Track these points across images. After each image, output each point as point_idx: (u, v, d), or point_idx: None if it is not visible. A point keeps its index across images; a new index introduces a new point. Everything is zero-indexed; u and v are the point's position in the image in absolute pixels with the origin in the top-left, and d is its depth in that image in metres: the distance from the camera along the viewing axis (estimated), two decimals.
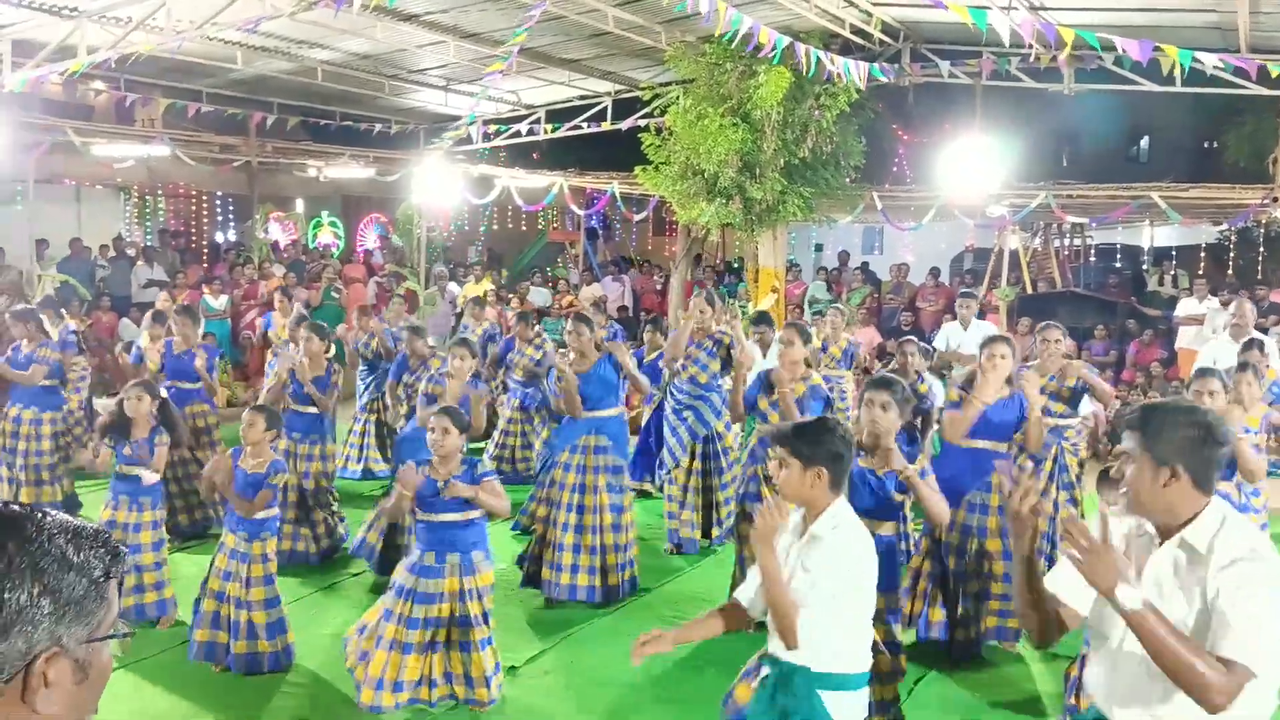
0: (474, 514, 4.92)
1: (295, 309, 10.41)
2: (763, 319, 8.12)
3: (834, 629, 3.15)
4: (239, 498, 5.27)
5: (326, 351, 7.53)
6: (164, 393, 6.43)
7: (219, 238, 19.42)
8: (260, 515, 5.31)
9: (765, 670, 3.30)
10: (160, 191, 17.69)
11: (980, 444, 5.64)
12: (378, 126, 16.68)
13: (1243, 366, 6.22)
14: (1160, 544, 2.48)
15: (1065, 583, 2.56)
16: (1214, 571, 2.34)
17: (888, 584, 4.07)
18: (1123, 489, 2.50)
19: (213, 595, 5.32)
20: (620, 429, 6.60)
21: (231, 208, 18.97)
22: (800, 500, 3.24)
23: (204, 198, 18.09)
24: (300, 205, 19.91)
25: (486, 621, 4.95)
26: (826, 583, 3.12)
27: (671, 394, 7.65)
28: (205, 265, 16.57)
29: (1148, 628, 2.26)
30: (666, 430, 7.63)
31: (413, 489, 4.81)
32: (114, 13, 10.35)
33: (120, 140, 14.25)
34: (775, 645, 3.22)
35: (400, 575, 4.94)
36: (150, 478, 5.77)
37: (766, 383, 6.05)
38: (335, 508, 7.50)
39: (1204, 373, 5.79)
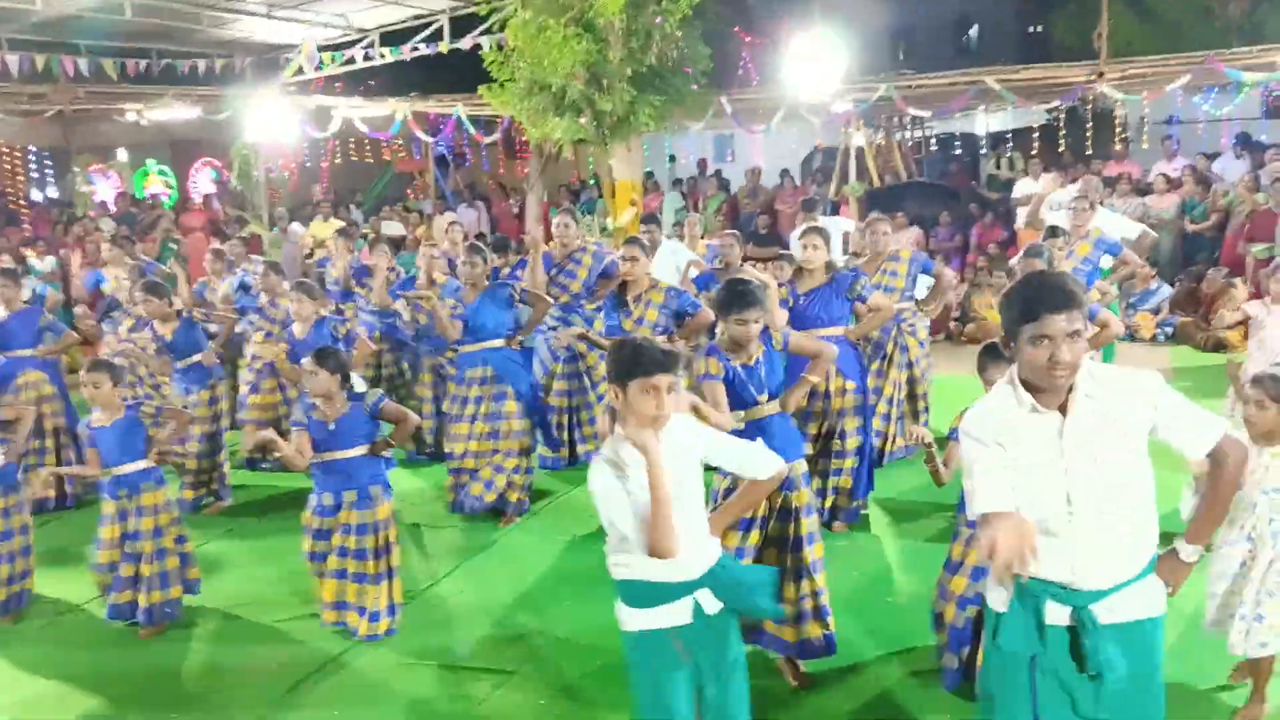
0: (366, 447, 4.88)
1: (129, 263, 9.64)
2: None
3: None
4: (120, 456, 5.10)
5: (170, 305, 7.19)
6: None
7: (38, 195, 18.15)
8: (132, 469, 5.11)
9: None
10: None
11: (819, 332, 5.80)
12: (201, 63, 15.71)
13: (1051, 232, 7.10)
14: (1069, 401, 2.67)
15: (998, 498, 2.68)
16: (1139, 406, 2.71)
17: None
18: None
19: (116, 562, 5.12)
20: (506, 359, 6.61)
21: (49, 162, 17.71)
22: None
23: (16, 153, 16.80)
24: (124, 154, 18.73)
25: (389, 553, 4.94)
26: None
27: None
28: (28, 226, 15.48)
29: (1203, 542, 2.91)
30: (538, 346, 7.61)
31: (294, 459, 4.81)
32: None
33: None
34: None
35: (305, 518, 4.96)
36: None
37: (617, 299, 6.58)
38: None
39: (1029, 251, 6.32)
